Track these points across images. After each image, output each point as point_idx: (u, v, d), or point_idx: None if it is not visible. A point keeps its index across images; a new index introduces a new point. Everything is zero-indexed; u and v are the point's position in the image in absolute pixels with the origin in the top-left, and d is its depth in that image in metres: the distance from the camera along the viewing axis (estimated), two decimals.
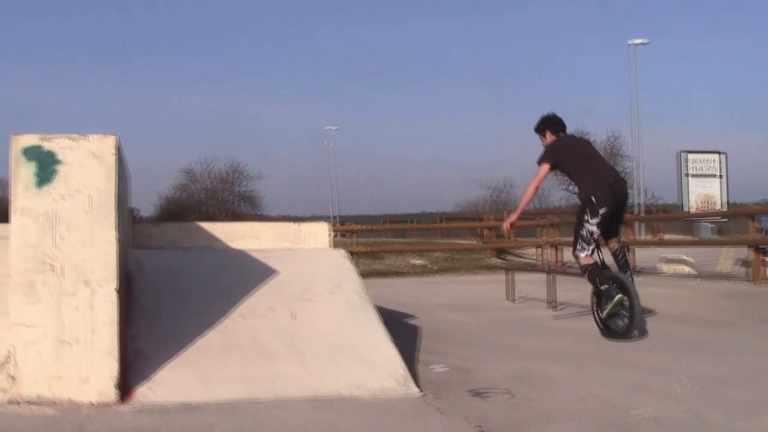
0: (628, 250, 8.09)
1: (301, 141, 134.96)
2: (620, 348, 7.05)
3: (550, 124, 8.04)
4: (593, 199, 7.38)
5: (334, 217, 62.11)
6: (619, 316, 7.40)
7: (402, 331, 8.14)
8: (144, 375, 4.95)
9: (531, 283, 12.13)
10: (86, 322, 4.67)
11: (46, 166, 4.67)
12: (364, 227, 26.47)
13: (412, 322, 9.12)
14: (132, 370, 4.97)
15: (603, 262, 7.78)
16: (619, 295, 7.28)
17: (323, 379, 5.18)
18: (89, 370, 4.67)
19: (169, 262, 6.55)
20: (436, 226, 30.81)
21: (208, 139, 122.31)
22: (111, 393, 4.67)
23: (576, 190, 7.78)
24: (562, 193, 59.82)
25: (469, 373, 5.92)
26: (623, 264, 7.73)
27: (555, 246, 20.47)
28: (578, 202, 7.78)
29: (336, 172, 62.77)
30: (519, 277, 12.17)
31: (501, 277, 13.75)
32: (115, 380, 4.69)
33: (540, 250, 21.39)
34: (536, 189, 7.94)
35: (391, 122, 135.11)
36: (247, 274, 6.40)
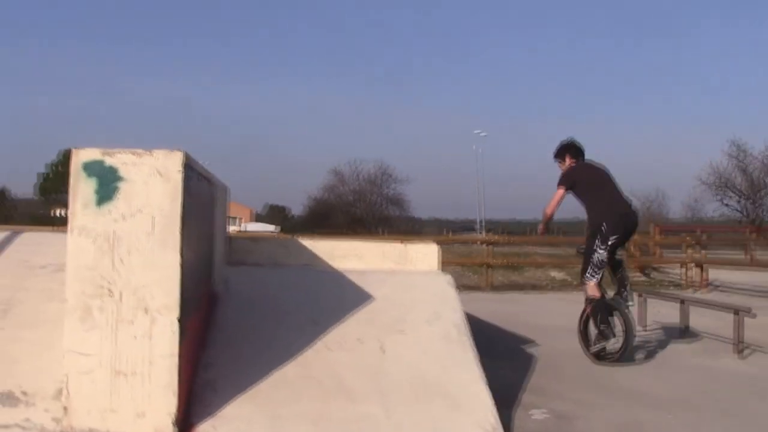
0: (626, 266, 8.33)
1: (450, 144, 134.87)
2: (743, 396, 6.42)
3: (569, 149, 8.15)
4: (604, 227, 7.60)
5: (481, 221, 61.17)
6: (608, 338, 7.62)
7: (513, 361, 7.58)
8: (209, 410, 4.56)
9: (667, 305, 11.17)
10: (144, 353, 4.30)
11: (107, 182, 4.32)
12: (502, 238, 25.61)
13: (529, 349, 8.50)
14: (196, 404, 4.59)
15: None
16: (613, 339, 7.59)
17: (404, 423, 4.66)
18: (146, 404, 4.30)
19: (259, 281, 6.18)
20: (571, 240, 29.53)
21: (358, 140, 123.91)
22: (168, 430, 4.29)
23: (587, 216, 7.92)
24: (715, 204, 56.75)
25: (571, 422, 5.32)
26: (621, 279, 7.95)
27: (701, 265, 19.15)
28: (590, 227, 7.91)
29: (484, 174, 61.86)
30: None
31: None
32: (173, 416, 4.31)
33: (685, 268, 20.08)
34: (552, 212, 7.99)
35: (550, 126, 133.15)
36: (341, 298, 5.95)
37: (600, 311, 7.65)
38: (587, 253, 7.74)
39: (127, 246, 4.32)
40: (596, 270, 7.67)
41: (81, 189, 4.32)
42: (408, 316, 5.80)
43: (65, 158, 77.07)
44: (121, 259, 4.32)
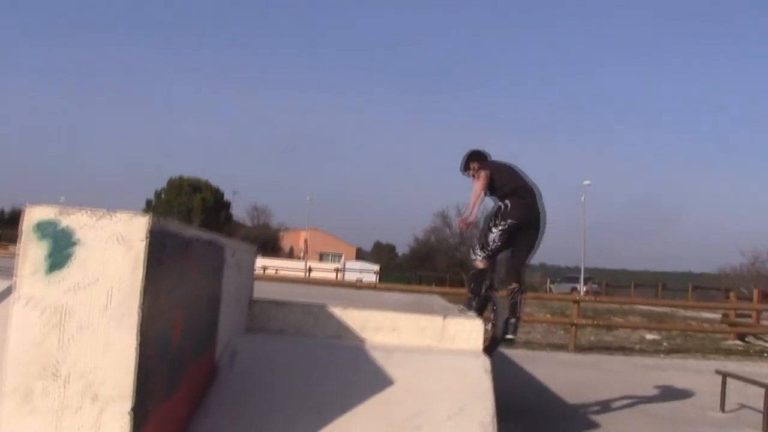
0: (524, 298, 7.73)
1: (555, 189, 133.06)
2: None
3: (472, 157, 8.03)
4: (504, 206, 7.44)
5: (584, 269, 59.44)
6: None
7: None
8: None
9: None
10: None
11: (61, 247, 3.74)
12: (592, 299, 24.44)
13: None
14: None
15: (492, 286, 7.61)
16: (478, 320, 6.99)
17: None
18: None
19: (270, 355, 5.53)
20: (670, 303, 28.01)
21: (465, 182, 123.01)
22: None
23: (497, 199, 7.77)
24: None
25: None
26: (512, 306, 7.58)
27: None
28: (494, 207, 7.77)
29: (587, 223, 60.11)
30: (749, 367, 10.19)
31: (732, 364, 11.75)
32: None
33: None
34: (484, 192, 7.74)
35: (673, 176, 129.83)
36: (355, 383, 5.25)
37: (477, 281, 7.55)
38: (483, 231, 7.66)
39: (78, 321, 3.73)
40: (485, 249, 7.52)
41: (31, 252, 3.74)
42: (428, 410, 5.05)
43: (170, 187, 79.50)
44: (70, 337, 3.72)
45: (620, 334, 20.87)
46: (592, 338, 20.23)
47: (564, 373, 12.88)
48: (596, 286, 60.35)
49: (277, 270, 53.27)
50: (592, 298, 26.24)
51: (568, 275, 68.76)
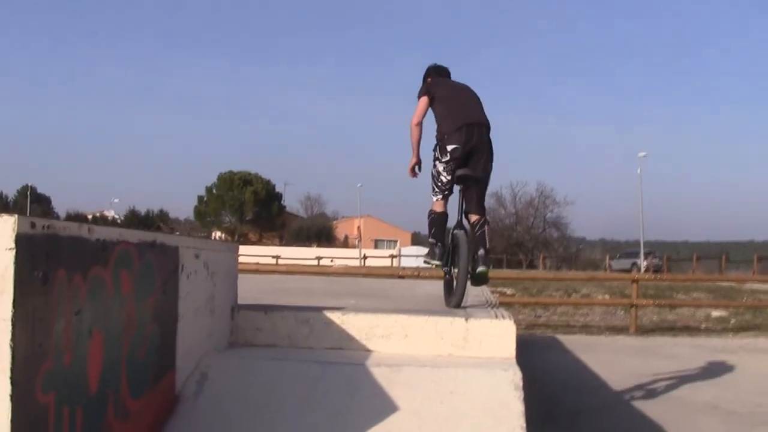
0: (488, 227, 6.73)
1: (611, 165, 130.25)
2: None
3: (429, 72, 7.31)
4: (445, 137, 6.63)
5: (643, 243, 57.57)
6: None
7: None
8: None
9: None
10: None
11: None
12: (651, 277, 23.06)
13: None
14: None
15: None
16: (438, 263, 6.69)
17: None
18: None
19: (247, 378, 4.48)
20: (737, 278, 26.38)
21: (518, 161, 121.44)
22: None
23: (436, 130, 6.83)
24: None
25: None
26: (478, 237, 6.62)
27: None
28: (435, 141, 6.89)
29: (644, 197, 58.02)
30: None
31: None
32: None
33: None
34: (419, 125, 6.90)
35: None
36: (349, 410, 4.19)
37: (436, 225, 6.77)
38: (431, 170, 6.84)
39: None
40: (437, 187, 6.73)
41: None
42: None
43: (221, 181, 79.18)
44: None
45: (684, 312, 19.54)
46: (655, 318, 18.95)
47: (624, 362, 11.68)
48: (657, 260, 58.39)
49: (332, 259, 52.48)
50: (652, 277, 24.79)
51: (628, 250, 66.70)
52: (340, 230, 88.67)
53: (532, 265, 67.20)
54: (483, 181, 6.79)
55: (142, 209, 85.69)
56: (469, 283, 6.45)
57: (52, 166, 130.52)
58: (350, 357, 4.82)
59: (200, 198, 79.46)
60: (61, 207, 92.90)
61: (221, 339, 5.01)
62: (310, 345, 5.09)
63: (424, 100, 6.86)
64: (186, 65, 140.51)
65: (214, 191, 78.25)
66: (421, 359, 4.83)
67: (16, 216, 2.73)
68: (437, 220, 6.78)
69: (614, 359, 11.98)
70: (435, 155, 6.77)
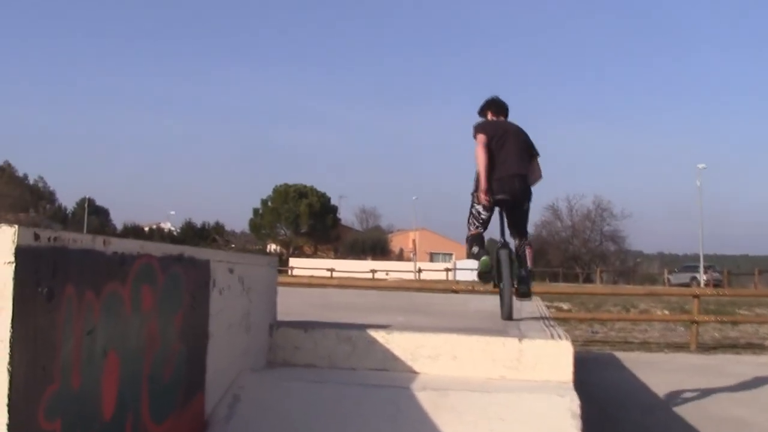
0: (530, 249, 7.22)
1: (669, 177, 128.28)
2: None
3: (488, 105, 7.63)
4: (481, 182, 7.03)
5: (703, 257, 56.23)
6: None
7: None
8: None
9: None
10: None
11: None
12: (713, 292, 22.30)
13: None
14: None
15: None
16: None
17: None
18: None
19: (282, 402, 4.19)
20: None
21: (574, 173, 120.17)
22: None
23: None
24: None
25: None
26: (520, 258, 7.07)
27: None
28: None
29: (710, 208, 56.77)
30: None
31: None
32: None
33: None
34: (486, 153, 7.07)
35: None
36: None
37: (476, 243, 7.18)
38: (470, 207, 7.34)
39: None
40: (477, 221, 7.16)
41: None
42: None
43: (276, 194, 79.50)
44: None
45: (747, 328, 18.86)
46: (716, 335, 18.28)
47: (685, 382, 11.14)
48: (717, 274, 56.86)
49: (387, 273, 52.22)
50: (713, 291, 24.00)
51: (687, 264, 65.17)
52: (396, 243, 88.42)
53: (588, 279, 66.19)
54: (523, 209, 7.21)
55: (198, 222, 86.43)
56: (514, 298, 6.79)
57: (112, 178, 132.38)
58: (394, 379, 4.51)
59: (255, 210, 79.84)
60: (118, 219, 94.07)
61: (258, 358, 4.73)
62: (351, 365, 4.79)
63: (483, 138, 7.14)
64: (244, 77, 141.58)
65: (270, 204, 78.54)
66: (471, 382, 4.50)
67: (17, 227, 2.48)
68: (476, 238, 7.19)
69: (675, 378, 11.46)
70: (474, 198, 7.22)
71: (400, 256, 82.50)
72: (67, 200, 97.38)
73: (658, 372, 12.05)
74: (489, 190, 6.94)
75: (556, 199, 77.35)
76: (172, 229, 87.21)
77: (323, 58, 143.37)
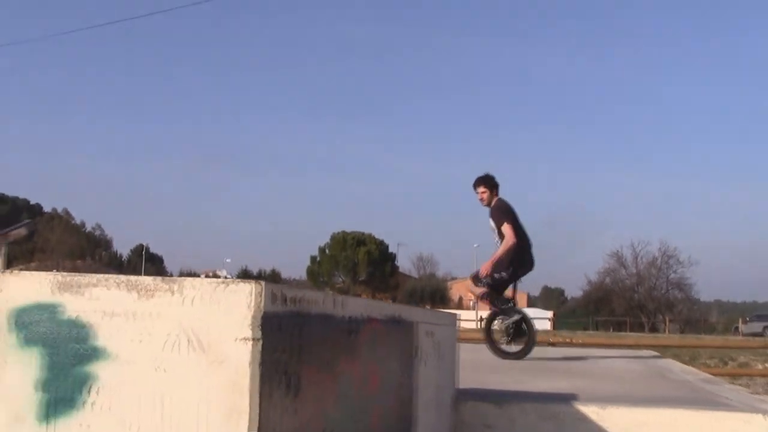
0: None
1: (730, 222, 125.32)
2: None
3: (495, 183, 8.36)
4: (519, 257, 8.00)
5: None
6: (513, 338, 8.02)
7: None
8: None
9: None
10: None
11: (65, 365, 1.65)
12: None
13: None
14: None
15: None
16: (519, 316, 8.13)
17: None
18: None
19: None
20: None
21: (636, 221, 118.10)
22: None
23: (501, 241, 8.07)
24: None
25: None
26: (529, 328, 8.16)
27: None
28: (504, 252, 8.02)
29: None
30: None
31: None
32: None
33: None
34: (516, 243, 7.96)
35: None
36: None
37: (496, 297, 8.10)
38: (494, 268, 7.98)
39: None
40: (491, 280, 7.99)
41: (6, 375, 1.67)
42: None
43: (334, 241, 78.82)
44: None
45: None
46: None
47: None
48: None
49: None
50: None
51: (759, 313, 62.79)
52: (455, 291, 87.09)
53: (654, 329, 64.16)
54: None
55: (254, 269, 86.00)
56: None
57: (165, 225, 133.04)
58: None
59: (313, 258, 79.21)
60: (173, 266, 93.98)
61: None
62: None
63: (512, 227, 7.97)
64: (295, 128, 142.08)
65: (327, 251, 77.92)
66: None
67: (263, 283, 1.60)
68: (494, 293, 8.13)
69: None
70: (504, 266, 7.99)
71: (460, 305, 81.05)
72: (122, 247, 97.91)
73: None
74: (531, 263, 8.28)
75: (621, 246, 75.53)
76: (228, 276, 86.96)
77: (381, 107, 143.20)
